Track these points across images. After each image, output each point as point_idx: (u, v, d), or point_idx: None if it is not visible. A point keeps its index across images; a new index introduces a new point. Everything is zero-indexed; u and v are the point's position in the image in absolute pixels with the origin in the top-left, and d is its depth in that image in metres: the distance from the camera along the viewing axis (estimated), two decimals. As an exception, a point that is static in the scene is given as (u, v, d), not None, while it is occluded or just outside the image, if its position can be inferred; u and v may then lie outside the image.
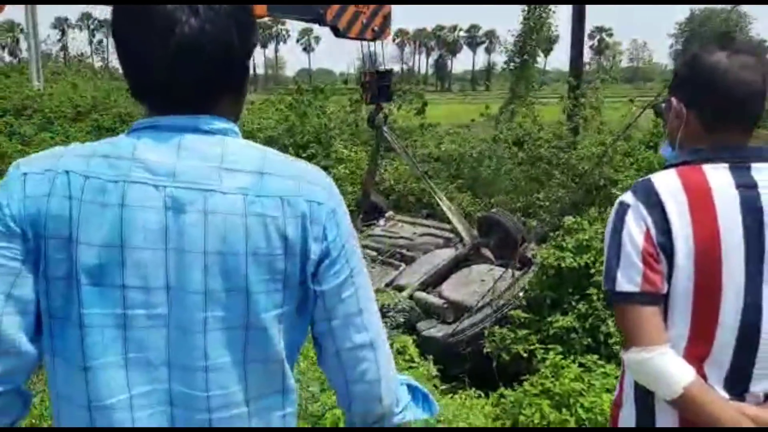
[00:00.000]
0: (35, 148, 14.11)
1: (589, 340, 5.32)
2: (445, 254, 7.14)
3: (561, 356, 4.92)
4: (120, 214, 0.92)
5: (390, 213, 8.71)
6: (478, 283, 6.46)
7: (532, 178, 8.77)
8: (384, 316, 5.00)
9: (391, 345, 3.90)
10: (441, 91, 70.33)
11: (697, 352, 1.36)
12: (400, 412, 1.11)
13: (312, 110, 11.38)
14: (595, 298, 5.38)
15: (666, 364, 1.32)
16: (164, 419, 0.96)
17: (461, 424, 3.47)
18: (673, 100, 1.50)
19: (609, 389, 4.46)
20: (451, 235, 7.44)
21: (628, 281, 1.35)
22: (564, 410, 4.32)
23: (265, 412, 1.00)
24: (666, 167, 1.49)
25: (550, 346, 5.08)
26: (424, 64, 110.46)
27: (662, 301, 1.36)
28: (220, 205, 0.93)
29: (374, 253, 7.69)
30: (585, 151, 8.04)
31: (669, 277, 1.36)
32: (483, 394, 4.95)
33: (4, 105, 15.34)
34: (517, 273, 6.36)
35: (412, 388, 1.17)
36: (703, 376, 1.36)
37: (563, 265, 5.63)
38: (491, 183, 9.51)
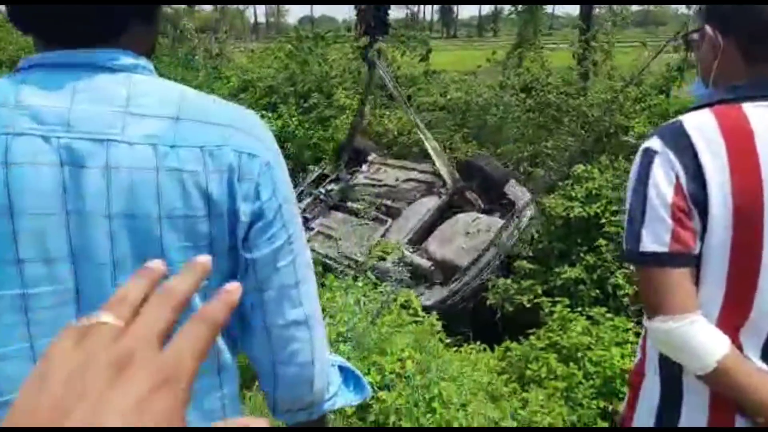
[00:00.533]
0: None
1: (597, 291, 5.21)
2: (430, 203, 6.89)
3: (568, 309, 4.81)
4: (5, 175, 0.75)
5: (372, 156, 8.38)
6: (464, 237, 6.29)
7: (540, 125, 8.49)
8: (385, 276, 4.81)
9: (395, 299, 3.78)
10: (447, 38, 68.73)
11: (732, 318, 1.19)
12: (331, 398, 1.01)
13: (313, 58, 11.03)
14: (604, 249, 5.23)
15: (697, 334, 1.15)
16: None
17: (465, 381, 3.37)
18: (707, 27, 1.28)
19: (618, 343, 4.36)
20: (435, 179, 7.19)
21: (654, 240, 1.17)
22: (572, 364, 4.22)
23: (198, 396, 0.87)
24: (696, 108, 1.29)
25: (557, 299, 4.96)
26: (429, 9, 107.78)
27: (694, 262, 1.18)
28: (124, 159, 0.77)
29: (359, 207, 7.47)
30: (595, 98, 7.75)
31: (702, 234, 1.18)
32: (488, 348, 4.86)
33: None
34: (501, 220, 6.20)
35: (343, 370, 1.06)
36: (739, 347, 1.19)
37: (572, 215, 5.46)
38: (498, 131, 9.23)
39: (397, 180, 7.53)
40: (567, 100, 7.95)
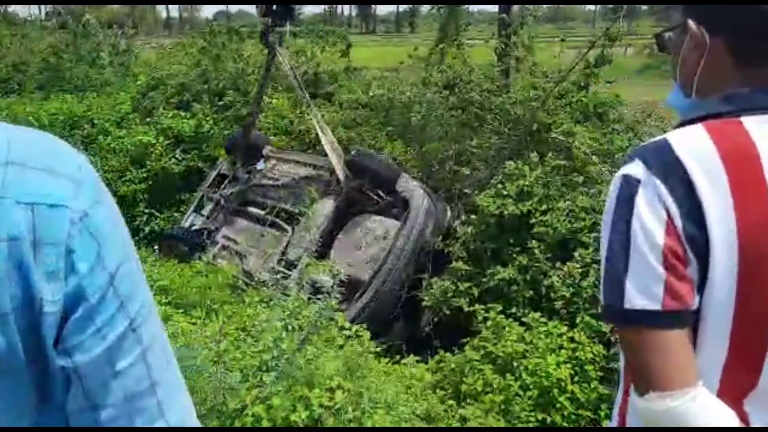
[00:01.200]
0: None
1: (531, 292, 5.09)
2: (328, 205, 6.61)
3: (502, 314, 4.65)
4: None
5: (267, 149, 7.99)
6: (364, 245, 6.10)
7: (463, 123, 8.36)
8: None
9: (324, 320, 3.44)
10: (366, 33, 68.62)
11: (736, 385, 0.96)
12: None
13: (227, 54, 10.48)
14: (536, 251, 5.13)
15: (700, 413, 0.90)
16: None
17: (401, 407, 3.11)
18: (690, 23, 1.05)
19: (553, 349, 4.24)
20: (330, 177, 6.91)
21: (643, 295, 0.92)
22: (508, 375, 4.06)
23: None
24: (682, 124, 1.05)
25: (490, 305, 4.80)
26: (347, 6, 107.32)
27: (692, 319, 0.95)
28: None
29: (261, 212, 7.13)
30: (518, 95, 7.68)
31: (701, 285, 0.94)
32: (421, 360, 4.65)
33: None
34: (397, 222, 6.02)
35: None
36: (743, 416, 0.97)
37: (506, 212, 5.33)
38: (422, 130, 9.04)
39: (294, 177, 7.26)
40: (489, 97, 7.85)
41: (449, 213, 6.46)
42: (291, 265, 6.17)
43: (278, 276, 5.60)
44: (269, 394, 2.90)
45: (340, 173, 6.52)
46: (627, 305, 0.93)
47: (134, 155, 9.49)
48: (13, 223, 0.53)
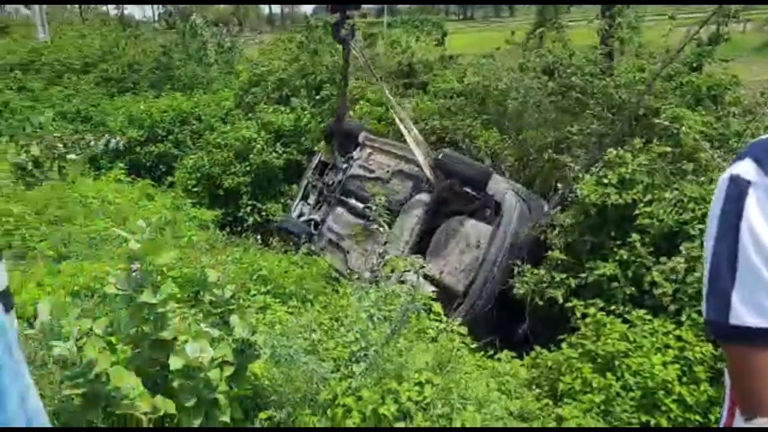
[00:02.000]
0: (44, 102, 13.77)
1: (633, 289, 4.81)
2: (419, 205, 6.50)
3: (602, 311, 4.43)
4: None
5: (363, 135, 7.93)
6: (458, 253, 5.96)
7: (563, 110, 8.04)
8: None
9: (412, 314, 3.41)
10: (464, 20, 67.63)
11: None
12: None
13: (324, 47, 10.67)
14: (638, 244, 4.83)
15: None
16: None
17: (492, 405, 3.03)
18: None
19: (659, 348, 3.99)
20: (421, 173, 6.75)
21: (752, 311, 0.82)
22: (608, 374, 3.86)
23: None
24: None
25: (590, 301, 4.58)
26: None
27: None
28: None
29: (360, 205, 7.15)
30: (622, 78, 7.27)
31: None
32: (516, 356, 4.52)
33: (11, 59, 14.92)
34: (489, 227, 5.83)
35: None
36: None
37: (608, 202, 5.06)
38: (519, 117, 8.79)
39: (387, 171, 7.19)
40: (592, 81, 7.49)
41: (545, 207, 6.22)
42: (392, 271, 6.19)
43: (377, 275, 5.65)
44: (359, 386, 2.92)
45: (428, 172, 6.43)
46: (733, 321, 0.83)
47: (238, 149, 9.89)
48: None
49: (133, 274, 2.63)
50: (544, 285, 5.25)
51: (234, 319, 2.82)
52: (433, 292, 5.52)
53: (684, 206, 4.87)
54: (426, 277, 5.83)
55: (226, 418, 2.58)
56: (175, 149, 11.65)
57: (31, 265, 4.53)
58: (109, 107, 13.45)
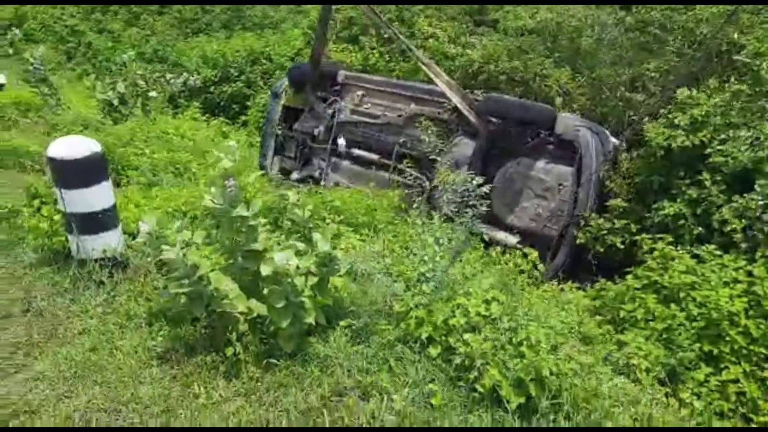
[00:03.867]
0: (124, 43, 14.34)
1: (701, 229, 4.78)
2: (463, 149, 6.02)
3: (670, 246, 4.46)
4: None
5: (342, 74, 7.22)
6: (533, 197, 5.80)
7: (641, 47, 7.79)
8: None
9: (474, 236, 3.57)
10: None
11: None
12: None
13: (393, -15, 10.58)
14: (708, 183, 4.78)
15: None
16: None
17: (553, 322, 3.20)
18: None
19: (726, 282, 4.02)
20: (446, 114, 6.28)
21: None
22: (673, 305, 3.94)
23: None
24: None
25: (658, 236, 4.61)
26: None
27: None
28: None
29: (375, 157, 6.58)
30: (705, 12, 6.96)
31: None
32: (581, 287, 4.65)
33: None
34: (569, 168, 5.64)
35: None
36: None
37: (674, 144, 5.00)
38: (593, 55, 8.57)
39: (399, 116, 6.56)
40: (672, 16, 7.20)
41: (613, 140, 6.06)
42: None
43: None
44: (430, 301, 3.14)
45: (471, 116, 6.05)
46: None
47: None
48: None
49: (228, 190, 2.89)
50: (604, 233, 5.27)
51: (316, 235, 3.06)
52: (517, 243, 5.57)
53: (761, 144, 4.75)
54: (501, 225, 5.85)
55: (310, 320, 2.85)
56: (246, 89, 11.98)
57: (128, 190, 4.93)
58: (184, 47, 13.89)
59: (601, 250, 5.28)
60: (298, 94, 7.30)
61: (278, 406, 2.57)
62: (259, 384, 2.67)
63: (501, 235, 5.74)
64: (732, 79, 5.42)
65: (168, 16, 15.66)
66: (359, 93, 6.97)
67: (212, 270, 2.83)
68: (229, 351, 2.75)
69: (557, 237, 5.60)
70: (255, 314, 2.87)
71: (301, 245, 3.01)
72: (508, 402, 2.63)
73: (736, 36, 6.22)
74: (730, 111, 5.09)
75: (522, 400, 2.63)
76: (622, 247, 5.16)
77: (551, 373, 2.65)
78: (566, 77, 8.51)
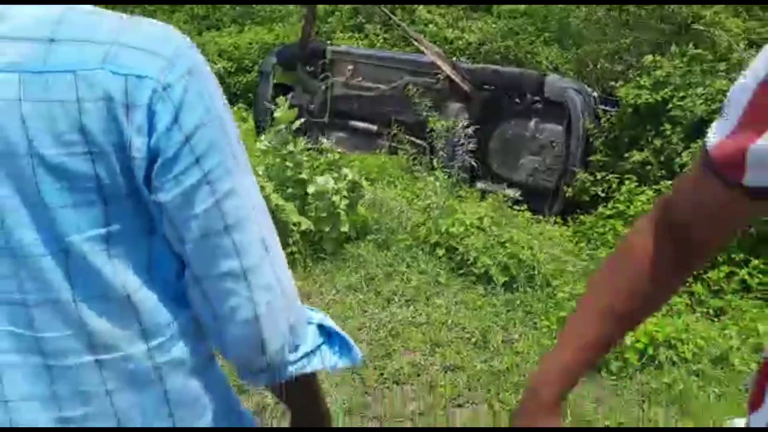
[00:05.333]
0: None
1: (663, 171, 5.64)
2: (459, 114, 6.49)
3: (636, 184, 5.34)
4: None
5: (330, 50, 7.41)
6: (529, 154, 6.35)
7: (621, 23, 8.65)
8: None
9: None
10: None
11: None
12: (299, 359, 0.83)
13: (395, -25, 11.42)
14: (669, 132, 5.64)
15: None
16: None
17: (533, 234, 4.10)
18: None
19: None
20: (435, 82, 6.65)
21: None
22: (636, 228, 4.82)
23: (120, 363, 0.73)
24: None
25: (626, 176, 5.48)
26: None
27: None
28: None
29: (372, 127, 6.88)
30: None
31: None
32: (565, 222, 5.52)
33: None
34: (558, 127, 6.24)
35: (325, 331, 0.87)
36: None
37: (639, 102, 5.86)
38: (579, 33, 9.42)
39: (394, 87, 6.84)
40: (648, -5, 8.04)
41: (594, 93, 6.69)
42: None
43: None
44: (435, 218, 4.05)
45: (463, 84, 6.57)
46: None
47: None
48: (108, 88, 0.66)
49: (278, 133, 3.80)
50: (588, 184, 6.09)
51: (345, 169, 3.96)
52: (517, 194, 6.12)
53: (714, 98, 5.62)
54: (504, 181, 6.51)
55: (345, 229, 3.77)
56: (261, 78, 12.86)
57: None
58: (199, 42, 14.78)
59: (587, 200, 6.15)
60: (287, 72, 7.52)
61: (328, 285, 3.49)
62: (311, 272, 3.60)
63: (507, 192, 6.49)
64: (691, 45, 6.29)
65: (180, 13, 16.55)
66: (349, 67, 7.20)
67: (272, 192, 3.74)
68: (287, 250, 3.66)
69: (553, 189, 6.31)
70: (304, 228, 3.78)
71: (335, 174, 3.92)
72: (496, 281, 3.53)
73: (697, 9, 7.07)
74: (688, 72, 5.95)
75: (506, 278, 3.54)
76: (603, 195, 6.03)
77: (529, 258, 3.56)
78: (554, 55, 9.37)
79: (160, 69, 0.68)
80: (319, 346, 0.85)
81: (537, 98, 6.53)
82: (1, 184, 0.67)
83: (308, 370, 0.83)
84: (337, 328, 0.87)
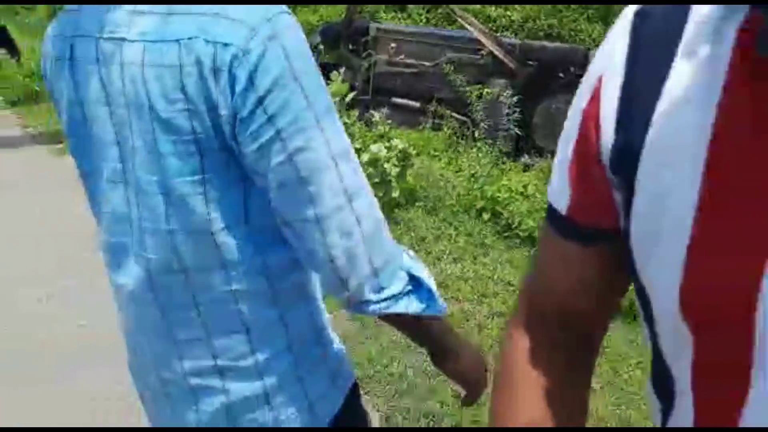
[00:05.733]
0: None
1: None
2: (503, 90, 6.51)
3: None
4: (72, 70, 0.89)
5: (374, 28, 7.45)
6: None
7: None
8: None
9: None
10: None
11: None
12: (384, 299, 0.87)
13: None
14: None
15: None
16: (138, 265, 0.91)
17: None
18: None
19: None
20: (477, 57, 6.72)
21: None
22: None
23: (204, 287, 0.88)
24: None
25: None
26: None
27: None
28: (128, 56, 0.82)
29: (415, 104, 6.94)
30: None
31: None
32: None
33: None
34: None
35: (415, 280, 0.91)
36: None
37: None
38: (622, 9, 9.37)
39: (436, 64, 6.88)
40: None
41: None
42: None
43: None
44: (474, 197, 4.26)
45: (507, 60, 6.61)
46: None
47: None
48: (200, 54, 0.77)
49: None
50: None
51: (395, 140, 4.19)
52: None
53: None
54: (547, 153, 6.40)
55: (396, 194, 4.01)
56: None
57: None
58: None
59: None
60: (331, 51, 7.57)
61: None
62: (365, 233, 3.85)
63: (545, 162, 6.63)
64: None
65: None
66: (392, 45, 7.23)
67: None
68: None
69: None
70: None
71: (386, 143, 4.16)
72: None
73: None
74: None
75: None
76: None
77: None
78: (598, 32, 9.36)
79: (244, 37, 0.76)
80: (407, 293, 0.89)
81: (581, 73, 6.58)
82: (133, 132, 0.83)
83: (392, 311, 0.88)
84: (428, 281, 0.91)
